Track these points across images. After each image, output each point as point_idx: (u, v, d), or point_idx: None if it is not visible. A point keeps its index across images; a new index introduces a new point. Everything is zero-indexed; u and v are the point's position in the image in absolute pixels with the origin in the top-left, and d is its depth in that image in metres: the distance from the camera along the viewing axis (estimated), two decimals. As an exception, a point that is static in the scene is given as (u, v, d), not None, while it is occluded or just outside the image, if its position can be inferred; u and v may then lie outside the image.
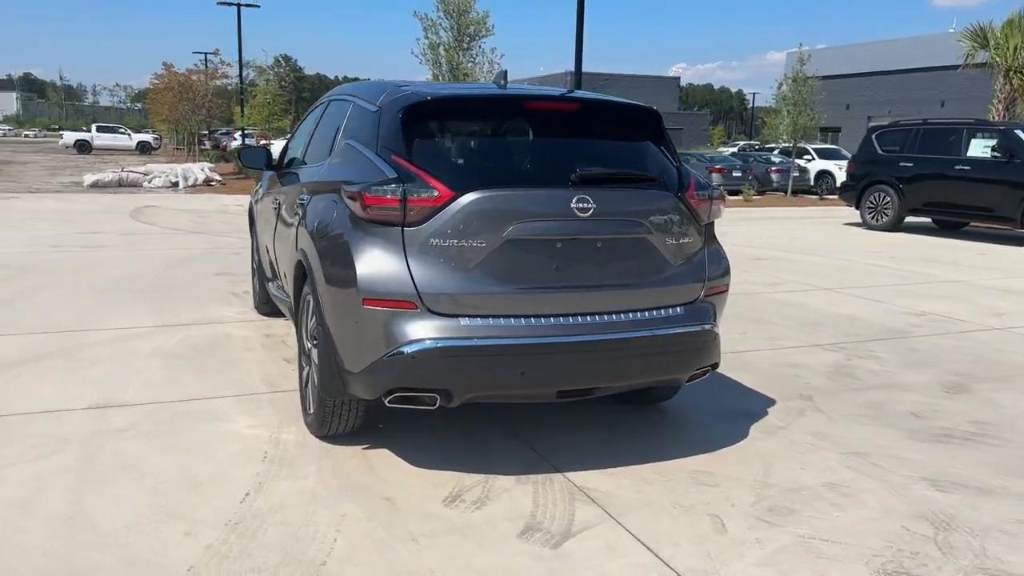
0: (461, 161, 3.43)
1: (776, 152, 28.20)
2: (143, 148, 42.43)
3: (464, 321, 3.20)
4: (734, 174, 24.66)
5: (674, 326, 3.53)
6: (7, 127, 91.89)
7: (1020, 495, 3.48)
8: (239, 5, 36.29)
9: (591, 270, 3.39)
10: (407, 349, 3.15)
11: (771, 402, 4.64)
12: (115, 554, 2.76)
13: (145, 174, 20.82)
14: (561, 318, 3.32)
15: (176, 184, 20.40)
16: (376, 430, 3.95)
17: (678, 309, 3.58)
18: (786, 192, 23.51)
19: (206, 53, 39.61)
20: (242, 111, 28.76)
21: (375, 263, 3.21)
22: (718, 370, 4.96)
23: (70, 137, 43.80)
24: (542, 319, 3.29)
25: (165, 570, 2.67)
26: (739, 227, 14.63)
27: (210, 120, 25.86)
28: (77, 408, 4.14)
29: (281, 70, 41.19)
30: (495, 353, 3.20)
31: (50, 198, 16.92)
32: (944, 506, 3.34)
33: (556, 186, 3.32)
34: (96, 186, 19.78)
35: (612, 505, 3.26)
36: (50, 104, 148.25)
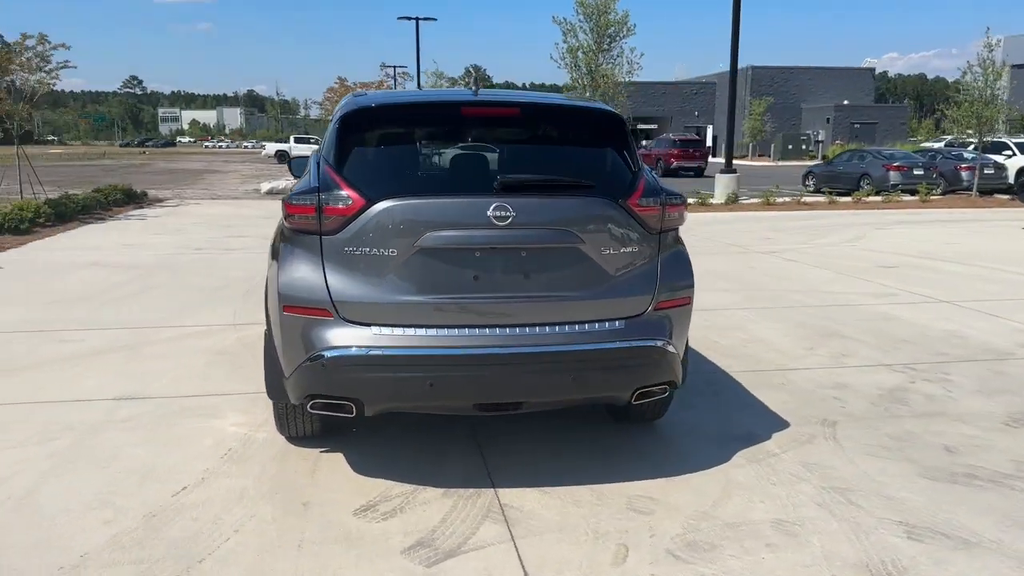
0: (385, 169, 3.42)
1: (971, 148, 25.53)
2: (280, 157, 45.23)
3: (376, 330, 3.21)
4: (915, 172, 22.61)
5: (610, 341, 3.33)
6: (228, 140, 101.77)
7: (1011, 552, 2.97)
8: (417, 19, 38.85)
9: (515, 280, 3.28)
10: (321, 356, 3.21)
11: (784, 426, 4.25)
12: (34, 535, 3.03)
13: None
14: (479, 329, 3.24)
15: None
16: (349, 434, 4.04)
17: (618, 323, 3.37)
18: (971, 191, 21.21)
19: (394, 67, 42.28)
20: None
21: (295, 271, 3.29)
22: (748, 388, 4.65)
23: (271, 148, 47.97)
24: (456, 329, 3.23)
25: (63, 553, 2.90)
26: (893, 231, 13.47)
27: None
28: (102, 399, 4.56)
29: (470, 79, 42.54)
30: (401, 363, 3.18)
31: (225, 204, 18.58)
32: (902, 557, 2.93)
33: (474, 194, 3.24)
34: (271, 193, 21.44)
35: (522, 526, 3.14)
36: (268, 118, 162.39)
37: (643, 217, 3.43)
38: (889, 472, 3.67)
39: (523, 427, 4.14)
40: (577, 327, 3.31)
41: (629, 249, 3.41)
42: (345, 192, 3.23)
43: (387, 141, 3.51)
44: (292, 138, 48.06)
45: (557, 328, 3.30)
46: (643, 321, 3.42)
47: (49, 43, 14.75)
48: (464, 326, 3.24)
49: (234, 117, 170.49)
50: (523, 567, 2.85)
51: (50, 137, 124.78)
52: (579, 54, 16.68)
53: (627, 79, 17.18)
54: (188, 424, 4.19)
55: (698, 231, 13.03)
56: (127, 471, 3.61)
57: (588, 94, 16.73)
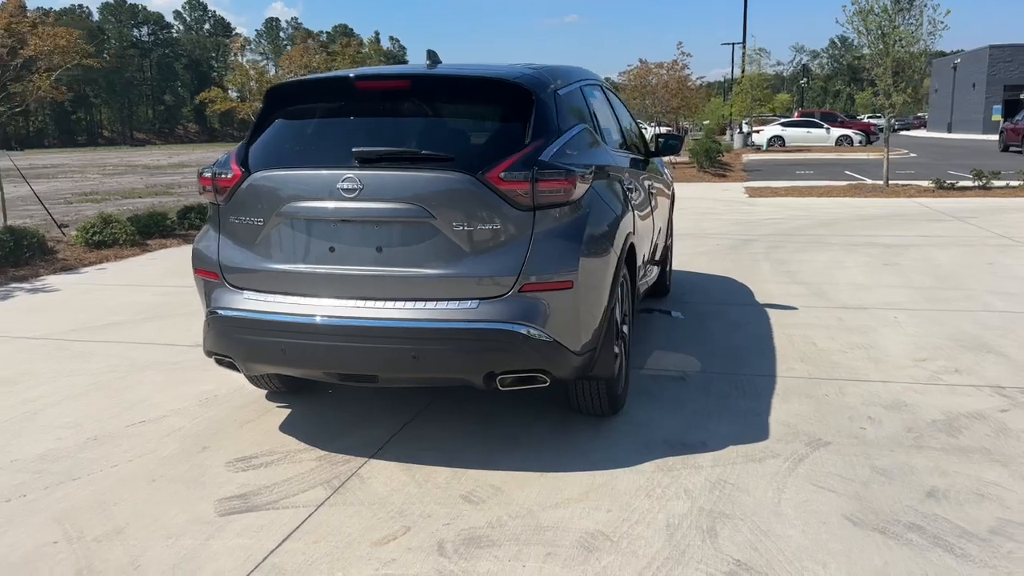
0: (271, 144, 3.58)
1: None
2: None
3: (247, 294, 3.45)
4: None
5: (456, 321, 3.19)
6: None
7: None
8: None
9: (368, 253, 3.29)
10: (209, 315, 3.54)
11: (760, 440, 3.66)
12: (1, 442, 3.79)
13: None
14: (332, 299, 3.32)
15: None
16: (322, 394, 4.33)
17: (470, 303, 3.21)
18: None
19: (732, 44, 41.41)
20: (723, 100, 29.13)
21: (203, 237, 3.67)
22: (779, 395, 4.14)
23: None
24: (311, 299, 3.34)
25: (2, 455, 3.60)
26: None
27: (671, 113, 26.72)
28: (180, 345, 5.38)
29: (837, 51, 39.81)
30: (259, 328, 3.38)
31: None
32: (679, 598, 2.46)
33: (331, 167, 3.31)
34: None
35: (345, 495, 3.19)
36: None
37: (506, 192, 3.21)
38: (807, 507, 3.02)
39: (477, 409, 4.08)
40: (425, 304, 3.23)
41: (489, 226, 3.22)
42: (231, 165, 3.51)
43: (286, 116, 3.68)
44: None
45: (404, 303, 3.25)
46: (502, 303, 3.21)
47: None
48: (318, 296, 3.34)
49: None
50: (292, 529, 2.91)
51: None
52: (870, 17, 14.78)
53: (927, 44, 14.84)
54: (203, 376, 4.73)
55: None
56: (123, 402, 4.29)
57: (880, 62, 14.87)
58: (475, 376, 3.26)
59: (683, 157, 26.07)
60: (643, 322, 5.85)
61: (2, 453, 3.66)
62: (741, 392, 4.33)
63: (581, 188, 3.38)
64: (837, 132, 36.88)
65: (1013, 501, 3.04)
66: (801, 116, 42.20)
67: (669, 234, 6.49)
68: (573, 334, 3.36)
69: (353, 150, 3.29)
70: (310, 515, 3.03)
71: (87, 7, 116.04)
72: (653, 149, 5.80)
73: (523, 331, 3.19)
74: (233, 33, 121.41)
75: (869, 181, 17.69)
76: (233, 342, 3.48)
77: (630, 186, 4.32)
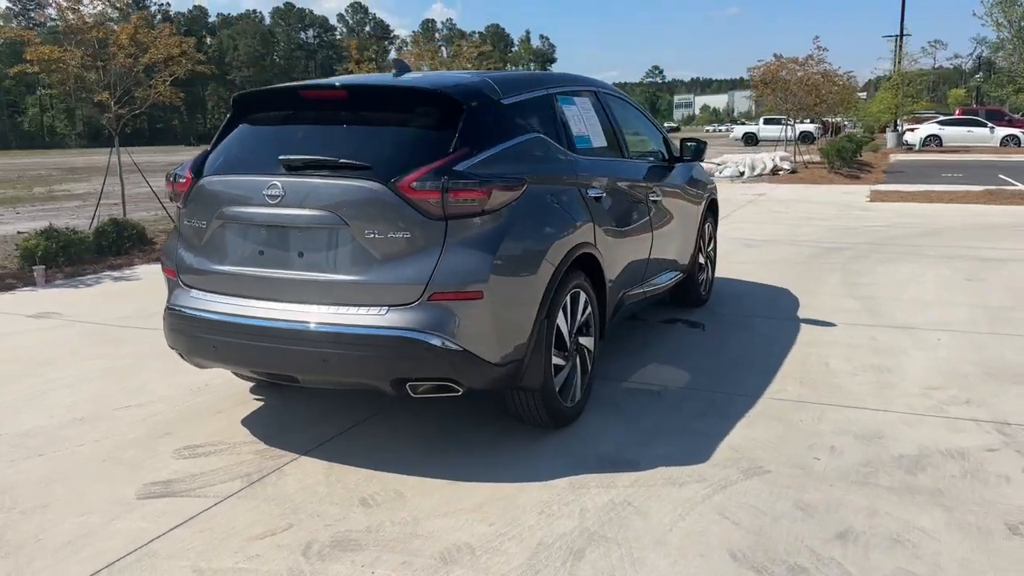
0: (225, 150, 3.76)
1: None
2: (748, 139, 43.18)
3: (193, 293, 3.67)
4: None
5: (364, 326, 3.26)
6: (729, 123, 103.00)
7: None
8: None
9: (292, 257, 3.42)
10: (165, 311, 3.79)
11: (695, 463, 3.52)
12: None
13: (719, 164, 22.03)
14: (258, 301, 3.47)
15: (742, 174, 21.10)
16: (301, 391, 4.52)
17: (379, 309, 3.27)
18: None
19: (895, 36, 39.28)
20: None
21: (170, 238, 3.94)
22: (749, 417, 4.00)
23: (739, 131, 47.74)
24: (241, 299, 3.51)
25: (-3, 431, 4.02)
26: None
27: (809, 110, 25.28)
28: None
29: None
30: (196, 325, 3.58)
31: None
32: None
33: (260, 173, 3.46)
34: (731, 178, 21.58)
35: (255, 488, 3.34)
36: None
37: (416, 201, 3.25)
38: (698, 538, 2.88)
39: (439, 411, 4.14)
40: (338, 308, 3.32)
41: (400, 234, 3.26)
42: (185, 170, 3.74)
43: (245, 124, 3.83)
44: (762, 120, 47.22)
45: (320, 307, 3.35)
46: (411, 311, 3.25)
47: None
48: (248, 297, 3.51)
49: (743, 101, 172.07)
50: (189, 518, 3.08)
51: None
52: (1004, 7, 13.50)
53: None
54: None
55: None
56: (126, 388, 4.65)
57: (1015, 54, 13.59)
58: (382, 382, 3.32)
59: (814, 156, 24.87)
60: (658, 332, 5.70)
61: None
62: (711, 411, 4.14)
63: (500, 198, 3.36)
64: (1003, 132, 33.86)
65: (928, 552, 2.76)
66: (963, 114, 38.95)
67: (704, 243, 6.27)
68: (488, 345, 3.34)
69: (279, 157, 3.43)
70: (212, 506, 3.19)
71: (260, 12, 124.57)
72: (679, 155, 5.64)
73: (429, 339, 3.22)
74: (391, 35, 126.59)
75: (1019, 187, 16.19)
76: (178, 337, 3.71)
77: (603, 195, 4.22)
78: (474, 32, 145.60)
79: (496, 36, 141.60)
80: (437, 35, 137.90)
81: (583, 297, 3.98)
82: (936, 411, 4.08)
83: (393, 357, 3.27)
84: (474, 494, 3.26)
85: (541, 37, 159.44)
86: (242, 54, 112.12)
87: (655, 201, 5.04)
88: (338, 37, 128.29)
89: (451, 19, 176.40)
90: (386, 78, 3.88)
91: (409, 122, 3.57)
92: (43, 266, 7.94)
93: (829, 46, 32.52)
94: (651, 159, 5.36)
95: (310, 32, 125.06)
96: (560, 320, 3.75)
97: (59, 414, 4.24)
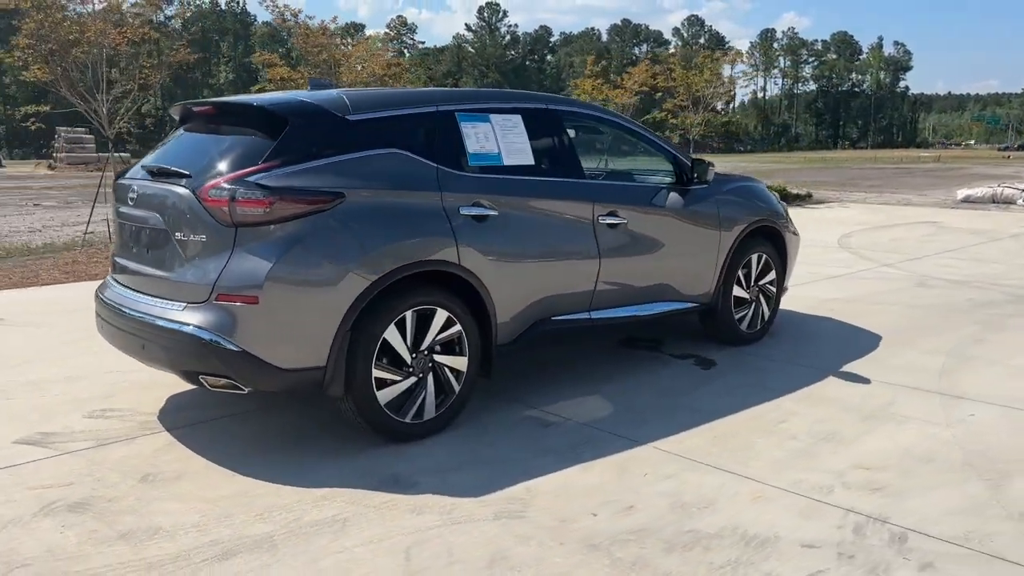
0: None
1: None
2: None
3: (109, 279, 4.30)
4: None
5: (167, 320, 3.61)
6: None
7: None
8: None
9: (143, 252, 3.91)
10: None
11: (465, 493, 3.36)
12: None
13: (1022, 190, 18.70)
14: (128, 290, 3.99)
15: (1048, 201, 17.73)
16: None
17: (180, 305, 3.60)
18: None
19: None
20: None
21: None
22: (600, 460, 3.84)
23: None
24: (123, 288, 4.05)
25: None
26: None
27: None
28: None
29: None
30: (99, 311, 4.18)
31: (877, 210, 17.50)
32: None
33: (134, 177, 3.99)
34: (967, 201, 18.98)
35: (156, 480, 3.84)
36: None
37: (211, 208, 3.53)
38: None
39: (313, 415, 4.37)
40: (156, 301, 3.74)
41: (198, 238, 3.57)
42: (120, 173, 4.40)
43: (176, 131, 4.36)
44: None
45: (148, 298, 3.80)
46: (199, 309, 3.54)
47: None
48: (125, 286, 4.05)
49: None
50: (24, 461, 3.67)
51: (938, 140, 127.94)
52: None
53: None
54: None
55: None
56: (120, 364, 5.03)
57: None
58: (178, 372, 3.65)
59: None
60: (651, 365, 5.29)
61: None
62: (580, 447, 3.86)
63: (289, 209, 3.51)
64: None
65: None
66: None
67: (747, 275, 5.71)
68: (273, 349, 3.51)
69: (140, 163, 3.93)
70: (51, 456, 3.75)
71: (598, 29, 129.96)
72: (693, 178, 5.21)
73: (207, 337, 3.48)
74: (726, 46, 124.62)
75: None
76: (96, 317, 4.33)
77: (495, 213, 4.10)
78: (815, 40, 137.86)
79: (842, 43, 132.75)
80: (776, 45, 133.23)
81: (441, 315, 3.93)
82: (822, 493, 3.37)
83: (181, 351, 3.58)
84: (231, 487, 3.44)
85: (896, 43, 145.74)
86: (577, 71, 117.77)
87: (612, 224, 4.70)
88: (670, 50, 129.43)
89: (793, 28, 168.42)
90: (245, 97, 4.21)
91: (241, 135, 3.86)
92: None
93: None
94: (631, 180, 5.01)
95: (643, 47, 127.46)
96: (392, 335, 3.76)
97: (49, 381, 5.06)
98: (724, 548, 2.93)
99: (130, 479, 3.54)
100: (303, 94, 4.08)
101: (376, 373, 3.75)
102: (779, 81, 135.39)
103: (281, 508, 3.25)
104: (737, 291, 5.62)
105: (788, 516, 3.18)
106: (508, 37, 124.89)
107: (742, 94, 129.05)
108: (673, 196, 5.14)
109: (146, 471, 3.63)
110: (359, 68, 14.73)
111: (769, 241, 5.85)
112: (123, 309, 3.90)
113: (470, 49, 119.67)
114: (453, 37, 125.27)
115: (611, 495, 3.37)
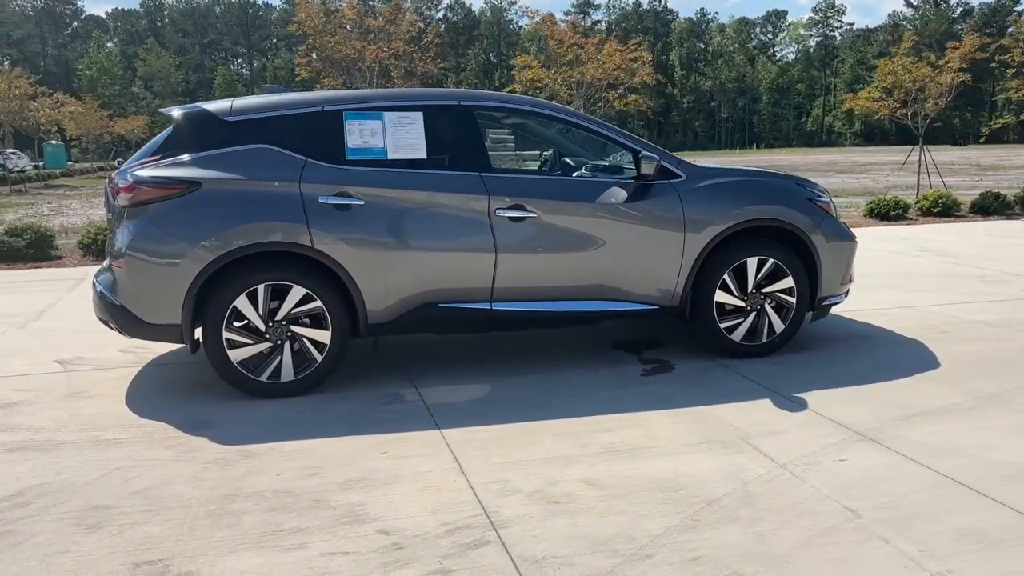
0: None
1: None
2: None
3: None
4: None
5: (95, 278, 4.75)
6: None
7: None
8: None
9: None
10: None
11: (233, 441, 3.86)
12: None
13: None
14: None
15: None
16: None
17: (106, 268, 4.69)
18: None
19: None
20: None
21: None
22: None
23: None
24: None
25: None
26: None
27: None
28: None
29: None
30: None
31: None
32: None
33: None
34: None
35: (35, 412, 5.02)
36: None
37: (113, 193, 4.61)
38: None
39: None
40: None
41: (114, 215, 4.69)
42: None
43: None
44: None
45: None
46: (105, 271, 4.74)
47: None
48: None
49: None
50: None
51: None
52: None
53: None
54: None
55: None
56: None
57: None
58: (99, 320, 4.71)
59: None
60: (593, 363, 5.18)
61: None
62: (370, 421, 4.15)
63: (148, 194, 4.36)
64: None
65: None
66: None
67: (744, 281, 5.15)
68: (140, 306, 4.40)
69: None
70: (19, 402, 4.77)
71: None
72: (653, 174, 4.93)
73: (99, 289, 4.56)
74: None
75: None
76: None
77: (361, 203, 4.48)
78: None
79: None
80: None
81: (297, 291, 4.43)
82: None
83: (96, 302, 4.68)
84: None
85: None
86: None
87: (516, 218, 4.69)
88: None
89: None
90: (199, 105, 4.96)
91: (164, 135, 4.74)
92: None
93: None
94: (567, 175, 4.98)
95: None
96: (243, 303, 4.38)
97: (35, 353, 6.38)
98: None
99: (64, 403, 4.63)
100: (213, 101, 4.83)
101: (227, 335, 4.39)
102: None
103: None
104: (723, 296, 5.12)
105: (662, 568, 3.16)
106: (960, 10, 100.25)
107: None
108: (614, 191, 4.90)
109: (70, 391, 4.70)
110: (597, 66, 15.22)
111: (784, 244, 5.20)
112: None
113: (908, 27, 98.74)
114: (888, 16, 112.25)
115: (312, 462, 3.66)
